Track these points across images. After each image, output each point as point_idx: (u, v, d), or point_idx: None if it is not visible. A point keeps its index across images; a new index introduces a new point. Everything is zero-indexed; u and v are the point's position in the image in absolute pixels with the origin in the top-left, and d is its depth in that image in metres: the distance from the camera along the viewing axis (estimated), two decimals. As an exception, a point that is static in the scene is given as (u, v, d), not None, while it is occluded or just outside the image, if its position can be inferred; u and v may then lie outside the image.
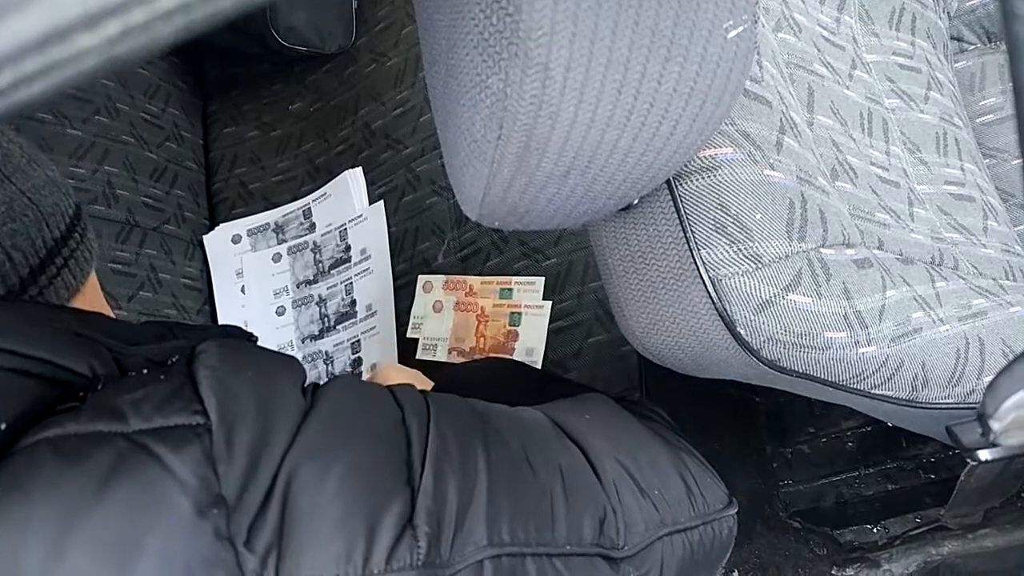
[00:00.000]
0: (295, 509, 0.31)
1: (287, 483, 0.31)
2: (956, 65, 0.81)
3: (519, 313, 0.83)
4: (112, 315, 0.47)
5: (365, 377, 0.72)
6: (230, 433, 0.31)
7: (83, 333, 0.35)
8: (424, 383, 0.65)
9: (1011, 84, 0.21)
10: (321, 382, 0.38)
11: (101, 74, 0.12)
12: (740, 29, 0.34)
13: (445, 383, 0.61)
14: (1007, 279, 0.64)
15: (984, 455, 0.45)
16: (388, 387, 0.40)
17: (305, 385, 0.38)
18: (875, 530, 0.81)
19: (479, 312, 0.85)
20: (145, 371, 0.34)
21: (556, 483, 0.39)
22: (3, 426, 0.29)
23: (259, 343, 0.49)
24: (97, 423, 0.30)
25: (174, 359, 0.35)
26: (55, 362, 0.32)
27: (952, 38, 0.82)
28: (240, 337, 0.47)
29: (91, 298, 0.46)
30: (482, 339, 0.84)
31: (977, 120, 0.79)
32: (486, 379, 0.61)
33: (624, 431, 0.47)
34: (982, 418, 0.27)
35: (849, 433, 0.82)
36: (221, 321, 0.98)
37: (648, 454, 0.46)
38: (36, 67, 0.12)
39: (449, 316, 0.87)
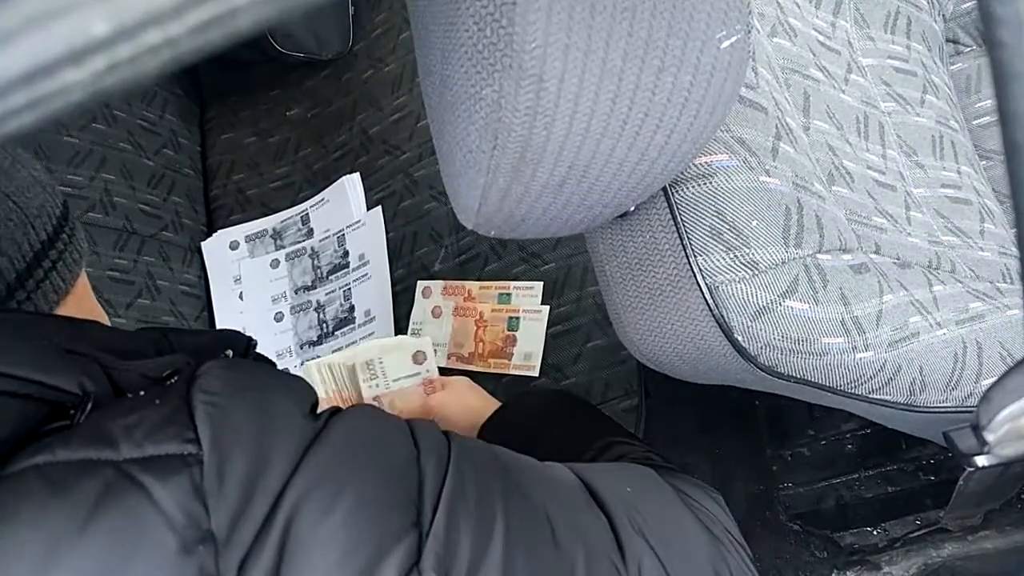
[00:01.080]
0: (296, 541, 0.30)
1: (291, 513, 0.30)
2: (952, 68, 0.81)
3: (517, 318, 0.84)
4: (106, 319, 0.47)
5: (436, 388, 0.71)
6: (223, 463, 0.30)
7: (73, 349, 0.34)
8: (491, 403, 0.62)
9: (994, 85, 0.21)
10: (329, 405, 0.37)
11: (88, 106, 0.12)
12: (734, 39, 0.34)
13: (507, 414, 0.59)
14: (1004, 282, 0.64)
15: (981, 462, 0.45)
16: (408, 422, 0.38)
17: (316, 409, 0.36)
18: (875, 532, 0.81)
19: (478, 317, 0.85)
20: (142, 392, 0.33)
21: (579, 553, 0.37)
22: None
23: (257, 349, 0.48)
24: (88, 449, 0.29)
25: (174, 380, 0.34)
26: (43, 382, 0.31)
27: (948, 41, 0.82)
28: (238, 342, 0.46)
29: (82, 300, 0.45)
30: (481, 344, 0.84)
31: (973, 122, 0.79)
32: (545, 413, 0.58)
33: (664, 513, 0.43)
34: (976, 429, 0.27)
35: (849, 436, 0.82)
36: (219, 328, 0.98)
37: (685, 545, 0.42)
38: (23, 101, 0.12)
39: (448, 321, 0.87)
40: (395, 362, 0.73)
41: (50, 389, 0.31)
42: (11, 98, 0.12)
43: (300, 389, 0.37)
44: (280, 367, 0.81)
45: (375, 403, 0.72)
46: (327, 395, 0.76)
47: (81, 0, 0.12)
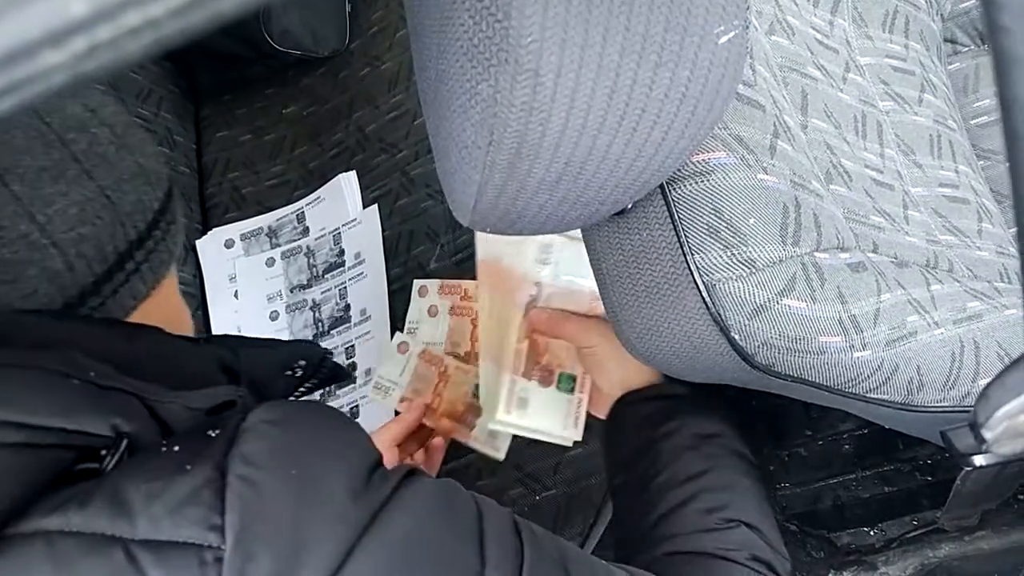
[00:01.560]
0: None
1: None
2: (950, 67, 0.81)
3: None
4: (188, 323, 0.43)
5: (597, 311, 0.63)
6: (244, 565, 0.26)
7: (109, 385, 0.30)
8: (648, 372, 0.57)
9: (995, 72, 0.21)
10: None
11: (70, 91, 0.11)
12: (731, 34, 0.34)
13: (657, 406, 0.55)
14: (1002, 281, 0.64)
15: (978, 460, 0.45)
16: (480, 519, 0.33)
17: (378, 469, 0.32)
18: (872, 533, 0.81)
19: (474, 316, 0.85)
20: (176, 448, 0.29)
21: None
22: None
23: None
24: (101, 519, 0.26)
25: (215, 432, 0.30)
26: (64, 427, 0.28)
27: (946, 40, 0.82)
28: (313, 355, 0.42)
29: (164, 302, 0.40)
30: (477, 343, 0.84)
31: (971, 122, 0.79)
32: (696, 436, 0.53)
33: None
34: (974, 427, 0.27)
35: (846, 436, 0.82)
36: (214, 327, 0.98)
37: None
38: (3, 84, 0.11)
39: (444, 320, 0.86)
40: (573, 257, 0.67)
41: (75, 434, 0.28)
42: (-9, 81, 0.11)
43: (358, 447, 0.32)
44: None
45: (534, 288, 0.66)
46: (483, 259, 0.69)
47: (59, -21, 0.11)
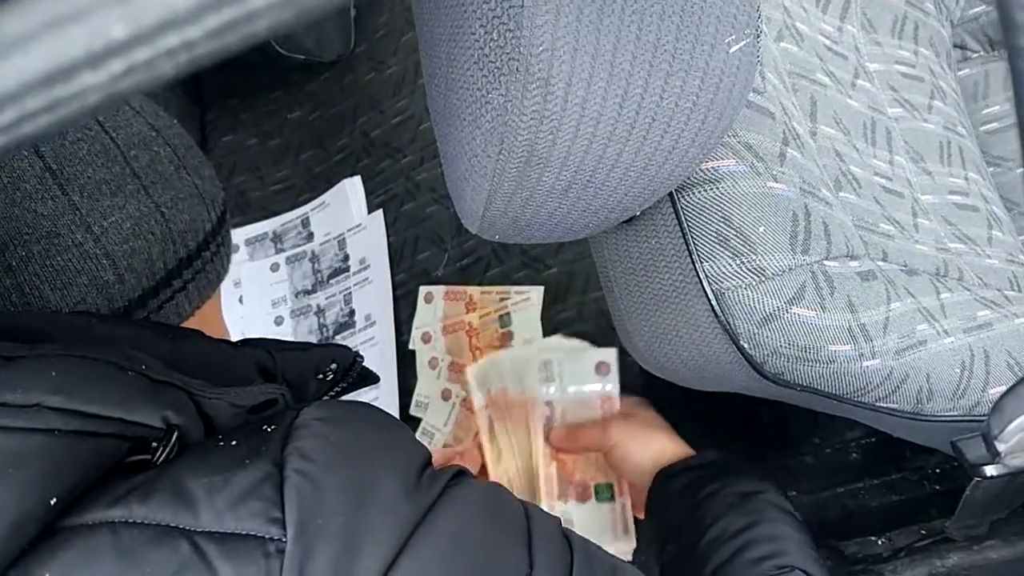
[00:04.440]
0: None
1: None
2: (959, 73, 0.80)
3: (508, 313, 0.82)
4: (225, 333, 0.44)
5: (614, 407, 0.63)
6: (305, 559, 0.26)
7: (160, 378, 0.31)
8: (677, 446, 0.57)
9: (1013, 92, 0.20)
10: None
11: (104, 110, 0.11)
12: (743, 43, 0.33)
13: (691, 477, 0.54)
14: (1012, 290, 0.63)
15: (990, 471, 0.44)
16: (528, 520, 0.33)
17: (429, 467, 0.32)
18: (880, 542, 0.80)
19: (467, 328, 0.84)
20: (234, 443, 0.30)
21: None
22: (53, 501, 0.26)
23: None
24: (166, 511, 0.27)
25: (270, 428, 0.30)
26: (122, 418, 0.28)
27: (955, 46, 0.81)
28: (345, 357, 0.43)
29: (205, 322, 0.41)
30: (477, 352, 0.83)
31: (981, 129, 0.79)
32: (731, 500, 0.52)
33: None
34: (987, 439, 0.26)
35: (853, 444, 0.81)
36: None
37: None
38: (40, 104, 0.11)
39: (440, 340, 0.86)
40: (575, 368, 0.67)
41: (131, 425, 0.29)
42: (28, 101, 0.12)
43: (408, 447, 0.33)
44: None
45: (546, 408, 0.67)
46: (491, 394, 0.69)
47: (100, 3, 0.11)
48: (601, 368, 0.67)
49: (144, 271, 0.37)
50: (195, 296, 0.40)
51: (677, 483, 0.55)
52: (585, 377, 0.67)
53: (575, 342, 0.70)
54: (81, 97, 0.12)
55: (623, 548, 0.66)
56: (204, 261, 0.40)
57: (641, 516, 0.64)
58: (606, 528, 0.66)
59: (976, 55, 0.82)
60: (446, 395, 0.83)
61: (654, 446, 0.59)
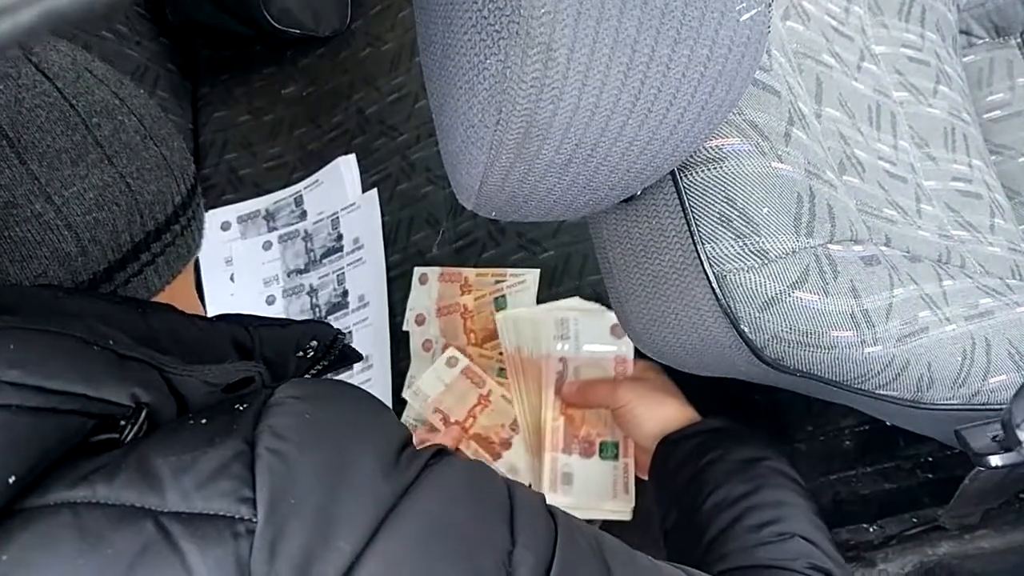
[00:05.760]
0: None
1: None
2: (964, 59, 0.79)
3: (503, 296, 0.81)
4: (199, 309, 0.42)
5: (627, 370, 0.63)
6: (276, 539, 0.26)
7: (128, 354, 0.30)
8: (684, 412, 0.57)
9: (1020, 80, 0.19)
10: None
11: (42, 31, 0.10)
12: (754, 12, 0.32)
13: (697, 441, 0.54)
14: (1013, 278, 0.63)
15: (995, 461, 0.44)
16: (511, 497, 0.33)
17: (409, 447, 0.32)
18: (871, 529, 0.80)
19: (462, 311, 0.83)
20: (204, 421, 0.29)
21: None
22: (12, 479, 0.25)
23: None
24: (129, 491, 0.26)
25: (242, 407, 0.29)
26: (86, 394, 0.27)
27: (961, 31, 0.80)
28: (325, 334, 0.42)
29: (176, 297, 0.40)
30: (472, 335, 0.82)
31: (984, 116, 0.78)
32: (740, 467, 0.52)
33: None
34: (1007, 425, 0.25)
35: (847, 432, 0.81)
36: (209, 311, 0.96)
37: None
38: None
39: (434, 323, 0.85)
40: (591, 327, 0.67)
41: (96, 402, 0.28)
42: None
43: (387, 426, 0.32)
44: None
45: (559, 364, 0.67)
46: (507, 351, 0.70)
47: None
48: (616, 330, 0.67)
49: (109, 243, 0.35)
50: (165, 271, 0.38)
51: (680, 450, 0.55)
52: (601, 337, 0.67)
53: (593, 304, 0.69)
54: (12, 11, 0.10)
55: (620, 507, 0.66)
56: (174, 235, 0.38)
57: (643, 476, 0.64)
58: (606, 486, 0.66)
59: (981, 42, 0.81)
60: (451, 363, 0.80)
61: (662, 411, 0.58)
